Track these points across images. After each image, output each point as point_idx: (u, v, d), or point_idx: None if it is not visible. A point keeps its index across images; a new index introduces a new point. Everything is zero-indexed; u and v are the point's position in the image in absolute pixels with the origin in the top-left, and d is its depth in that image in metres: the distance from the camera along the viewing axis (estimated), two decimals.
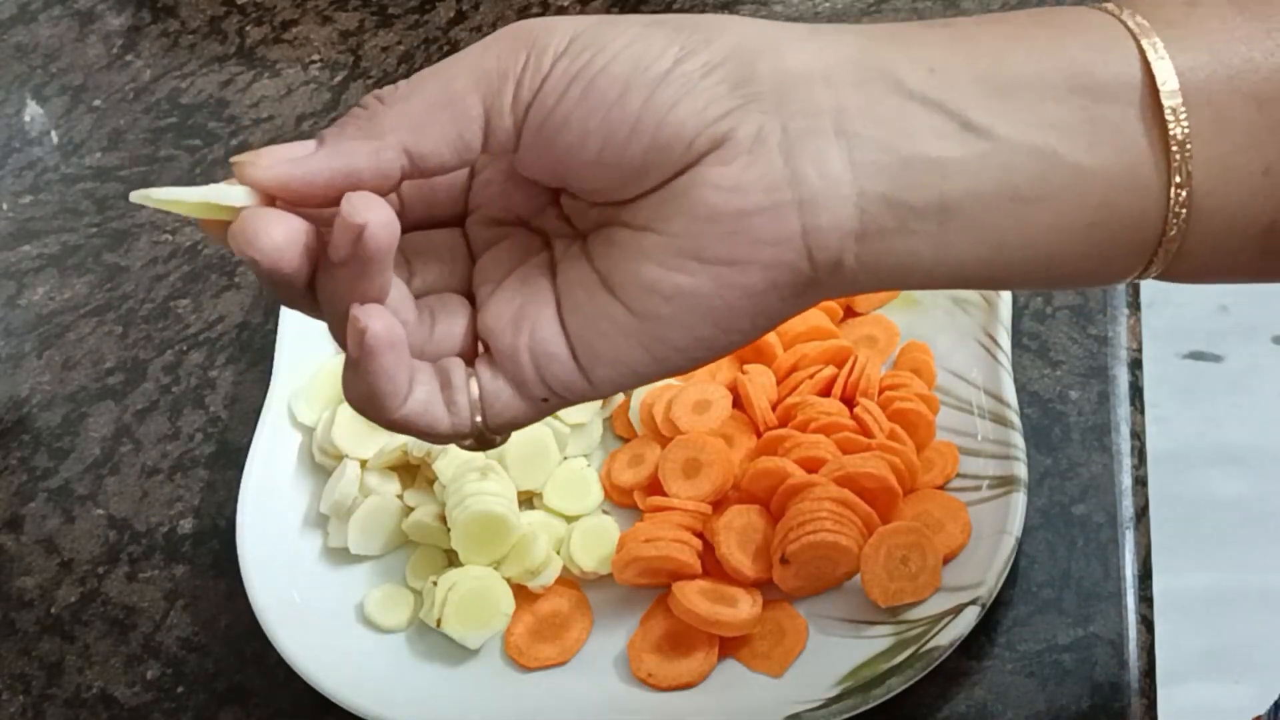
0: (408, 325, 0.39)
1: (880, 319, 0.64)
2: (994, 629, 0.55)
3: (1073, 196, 0.37)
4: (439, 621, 0.57)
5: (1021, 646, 0.55)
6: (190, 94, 0.85)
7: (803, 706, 0.52)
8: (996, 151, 0.37)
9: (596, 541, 0.59)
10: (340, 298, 0.37)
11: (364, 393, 0.38)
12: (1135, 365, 0.62)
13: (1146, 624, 0.55)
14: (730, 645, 0.56)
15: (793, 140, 0.36)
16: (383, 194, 0.37)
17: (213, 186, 0.37)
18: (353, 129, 0.37)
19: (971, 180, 0.37)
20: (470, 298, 0.40)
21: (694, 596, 0.55)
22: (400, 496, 0.61)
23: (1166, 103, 0.37)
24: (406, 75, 0.83)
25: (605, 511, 0.61)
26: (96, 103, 0.86)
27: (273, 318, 0.71)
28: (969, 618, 0.53)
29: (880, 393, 0.60)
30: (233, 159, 0.37)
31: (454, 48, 0.84)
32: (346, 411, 0.62)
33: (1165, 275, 0.39)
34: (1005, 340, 0.61)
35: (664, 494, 0.58)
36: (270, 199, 0.37)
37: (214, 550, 0.64)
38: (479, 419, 0.39)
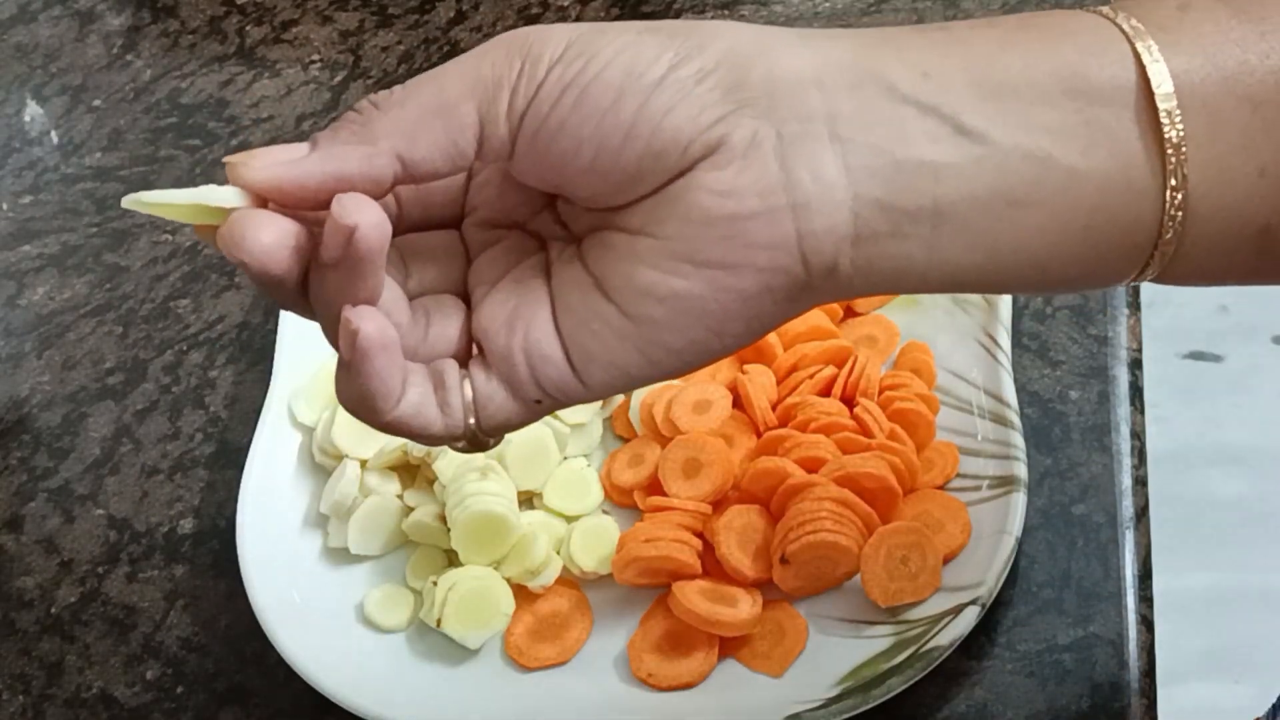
0: (401, 327, 0.39)
1: (880, 319, 0.64)
2: (994, 629, 0.55)
3: (1067, 200, 0.37)
4: (439, 621, 0.57)
5: (1021, 646, 0.55)
6: (190, 94, 0.85)
7: (803, 706, 0.52)
8: (990, 155, 0.37)
9: (596, 541, 0.59)
10: (332, 299, 0.37)
11: (357, 395, 0.38)
12: (1135, 365, 0.62)
13: (1146, 624, 0.55)
14: (730, 645, 0.56)
15: (787, 145, 0.36)
16: (375, 198, 0.37)
17: (204, 189, 0.37)
18: (346, 133, 0.37)
19: (965, 184, 0.37)
20: (466, 299, 0.41)
21: (694, 596, 0.55)
22: (400, 496, 0.61)
23: (1161, 106, 0.37)
24: (406, 75, 0.84)
25: (605, 511, 0.61)
26: (96, 103, 0.86)
27: (273, 318, 0.71)
28: (969, 618, 0.53)
29: (880, 393, 0.60)
30: (226, 159, 0.37)
31: (454, 48, 0.84)
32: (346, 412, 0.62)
33: (1161, 278, 0.39)
34: (1005, 340, 0.61)
35: (664, 494, 0.58)
36: (262, 201, 0.37)
37: (214, 550, 0.64)
38: (472, 421, 0.39)
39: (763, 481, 0.57)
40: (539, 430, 0.60)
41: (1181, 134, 0.37)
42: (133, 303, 0.75)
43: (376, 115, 0.37)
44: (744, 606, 0.55)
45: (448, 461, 0.60)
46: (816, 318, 0.63)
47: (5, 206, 0.81)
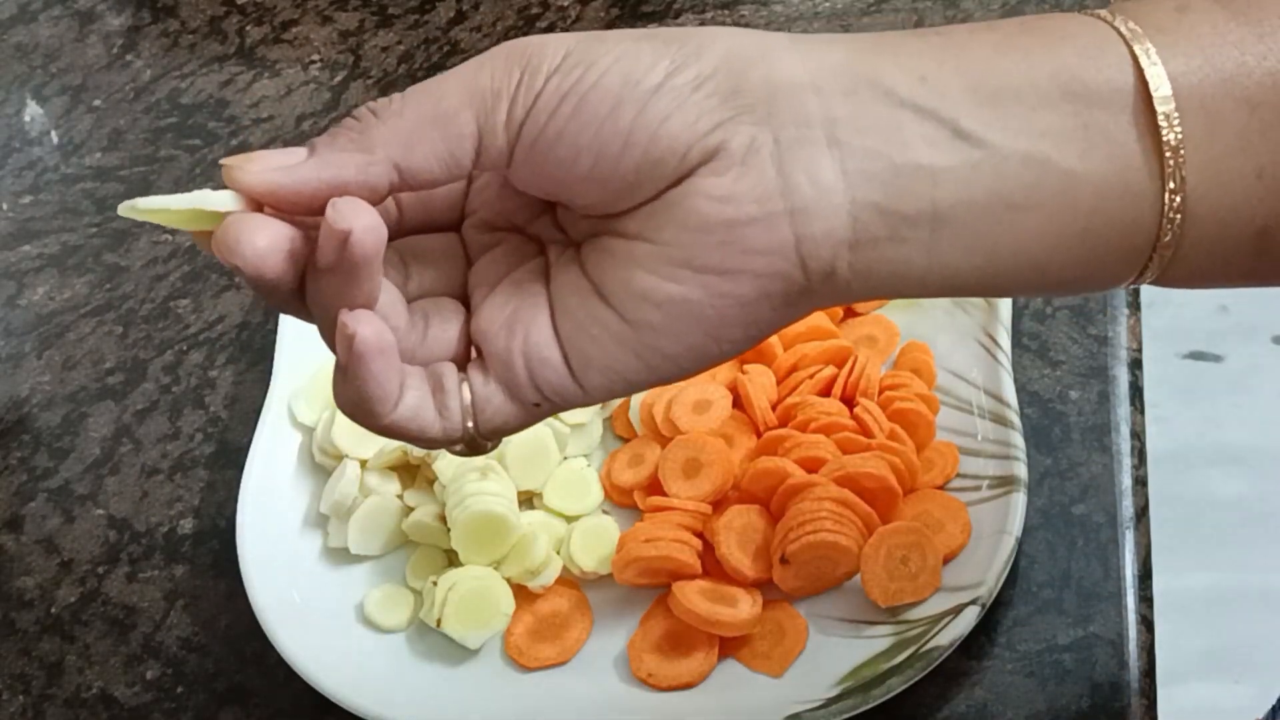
0: (398, 330, 0.39)
1: (880, 319, 0.64)
2: (994, 629, 0.55)
3: (1065, 203, 0.37)
4: (439, 621, 0.57)
5: (1021, 646, 0.55)
6: (190, 94, 0.85)
7: (803, 706, 0.52)
8: (988, 159, 0.37)
9: (596, 541, 0.59)
10: (329, 303, 0.37)
11: (354, 398, 0.38)
12: (1135, 365, 0.62)
13: (1146, 624, 0.55)
14: (730, 645, 0.56)
15: (785, 150, 0.36)
16: (371, 204, 0.37)
17: (199, 193, 0.37)
18: (344, 140, 0.37)
19: (963, 188, 0.37)
20: (465, 301, 0.41)
21: (694, 596, 0.55)
22: (400, 496, 0.61)
23: (1160, 108, 0.36)
24: (406, 75, 0.84)
25: (605, 511, 0.61)
26: (96, 103, 0.86)
27: (273, 318, 0.71)
28: (969, 618, 0.53)
29: (880, 393, 0.60)
30: (222, 160, 0.37)
31: (454, 48, 0.84)
32: None
33: (1159, 281, 0.39)
34: (1005, 340, 0.61)
35: (664, 494, 0.58)
36: (257, 204, 0.37)
37: (214, 550, 0.64)
38: (470, 424, 0.39)
39: (763, 481, 0.57)
40: (539, 430, 0.60)
41: (1180, 136, 0.37)
42: (133, 303, 0.75)
43: (374, 123, 0.37)
44: (744, 606, 0.55)
45: (448, 462, 0.60)
46: (816, 318, 0.63)
47: (5, 206, 0.81)
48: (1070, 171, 0.37)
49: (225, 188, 0.37)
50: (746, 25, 0.80)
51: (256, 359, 0.71)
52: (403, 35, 0.86)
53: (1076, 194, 0.37)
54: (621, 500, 0.61)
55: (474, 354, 0.40)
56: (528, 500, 0.61)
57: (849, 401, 0.60)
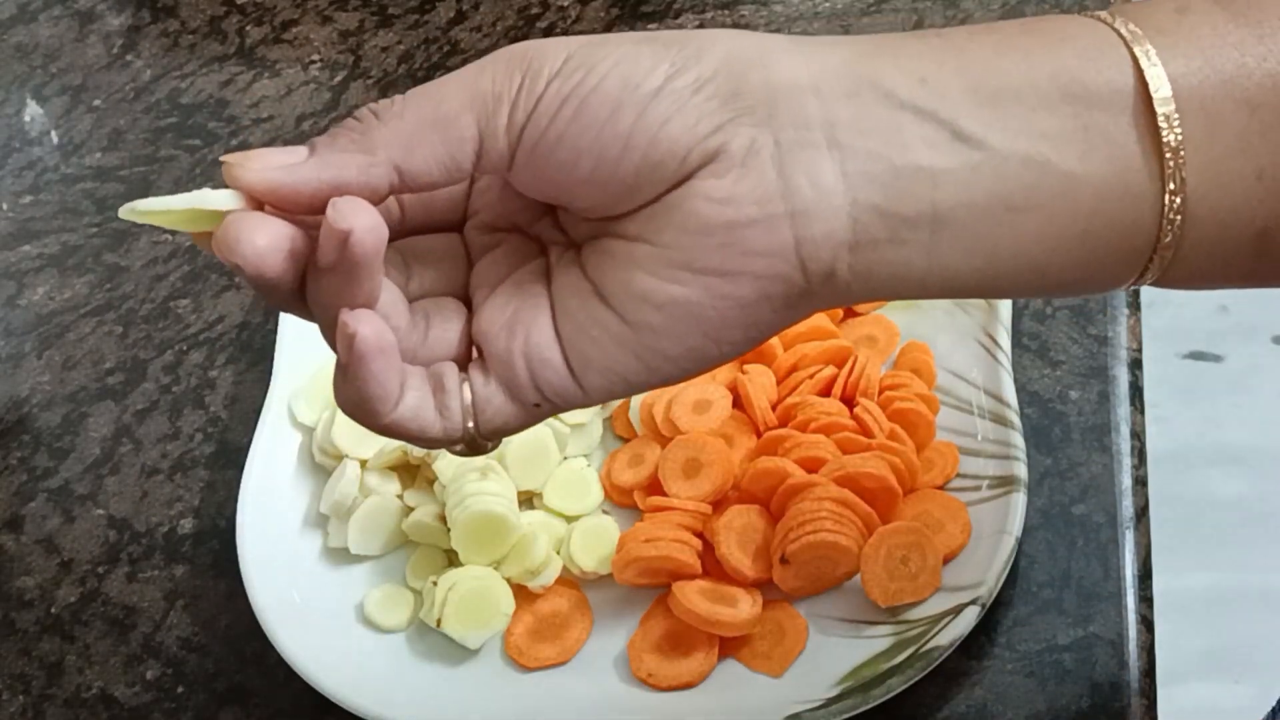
0: (399, 330, 0.39)
1: (880, 319, 0.64)
2: (994, 629, 0.55)
3: (1065, 205, 0.37)
4: (439, 621, 0.57)
5: (1021, 646, 0.55)
6: (190, 94, 0.85)
7: (803, 706, 0.52)
8: (988, 161, 0.37)
9: (596, 541, 0.59)
10: (329, 303, 0.37)
11: (354, 398, 0.38)
12: (1135, 365, 0.62)
13: (1146, 624, 0.55)
14: (730, 645, 0.56)
15: (785, 152, 0.36)
16: (372, 204, 0.37)
17: (199, 192, 0.37)
18: (345, 141, 0.37)
19: (963, 190, 0.37)
20: (467, 302, 0.41)
21: (694, 596, 0.55)
22: (400, 496, 0.61)
23: (1159, 110, 0.36)
24: (406, 75, 0.84)
25: (605, 511, 0.61)
26: (96, 103, 0.86)
27: (273, 318, 0.71)
28: (969, 618, 0.53)
29: (880, 393, 0.60)
30: (223, 158, 0.37)
31: (454, 48, 0.84)
32: None
33: (1159, 282, 0.39)
34: (1005, 340, 0.61)
35: (664, 494, 0.58)
36: (258, 203, 0.37)
37: (214, 550, 0.64)
38: (471, 424, 0.39)
39: (763, 481, 0.57)
40: (539, 430, 0.60)
41: (1180, 138, 0.37)
42: (133, 303, 0.75)
43: (376, 125, 0.37)
44: (744, 606, 0.55)
45: (448, 462, 0.60)
46: (817, 318, 0.63)
47: (5, 206, 0.81)
48: (1070, 173, 0.37)
49: (225, 187, 0.37)
50: (746, 26, 0.80)
51: (256, 359, 0.71)
52: (403, 35, 0.86)
53: (1076, 195, 0.37)
54: (621, 500, 0.61)
55: (475, 354, 0.40)
56: (528, 500, 0.62)
57: (849, 401, 0.60)
